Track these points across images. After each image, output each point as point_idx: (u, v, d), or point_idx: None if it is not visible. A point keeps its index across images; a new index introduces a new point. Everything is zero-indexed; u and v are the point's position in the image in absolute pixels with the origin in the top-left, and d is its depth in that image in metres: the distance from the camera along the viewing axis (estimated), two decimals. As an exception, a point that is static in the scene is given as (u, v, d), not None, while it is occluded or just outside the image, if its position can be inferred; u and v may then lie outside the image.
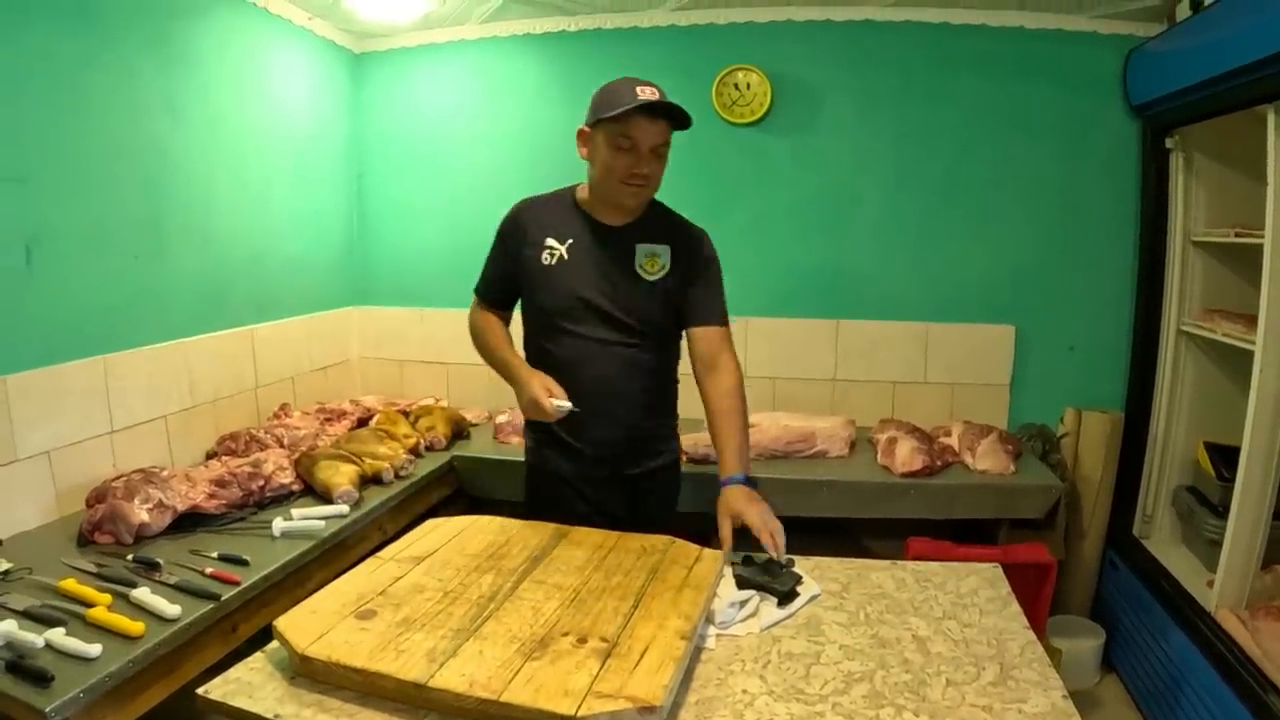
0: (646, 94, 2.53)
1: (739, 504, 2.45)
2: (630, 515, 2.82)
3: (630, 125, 2.56)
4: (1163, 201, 4.17)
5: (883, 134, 4.55)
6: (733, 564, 2.35)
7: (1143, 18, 4.21)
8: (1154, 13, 4.13)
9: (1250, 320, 3.39)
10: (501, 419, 4.46)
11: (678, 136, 4.68)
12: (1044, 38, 4.39)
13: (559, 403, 2.57)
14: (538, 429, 2.92)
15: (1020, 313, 4.61)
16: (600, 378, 2.73)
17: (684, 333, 2.85)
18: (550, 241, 2.76)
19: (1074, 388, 4.58)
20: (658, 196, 2.84)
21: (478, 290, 3.04)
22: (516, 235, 2.84)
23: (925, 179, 4.57)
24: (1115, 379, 4.55)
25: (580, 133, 2.70)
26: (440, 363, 5.14)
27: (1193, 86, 3.64)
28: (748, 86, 4.54)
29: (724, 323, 2.82)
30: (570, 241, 2.75)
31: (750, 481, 2.56)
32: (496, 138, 4.93)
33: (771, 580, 2.21)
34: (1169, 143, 4.08)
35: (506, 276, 2.90)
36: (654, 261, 2.74)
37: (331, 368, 4.96)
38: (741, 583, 2.22)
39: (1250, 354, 3.26)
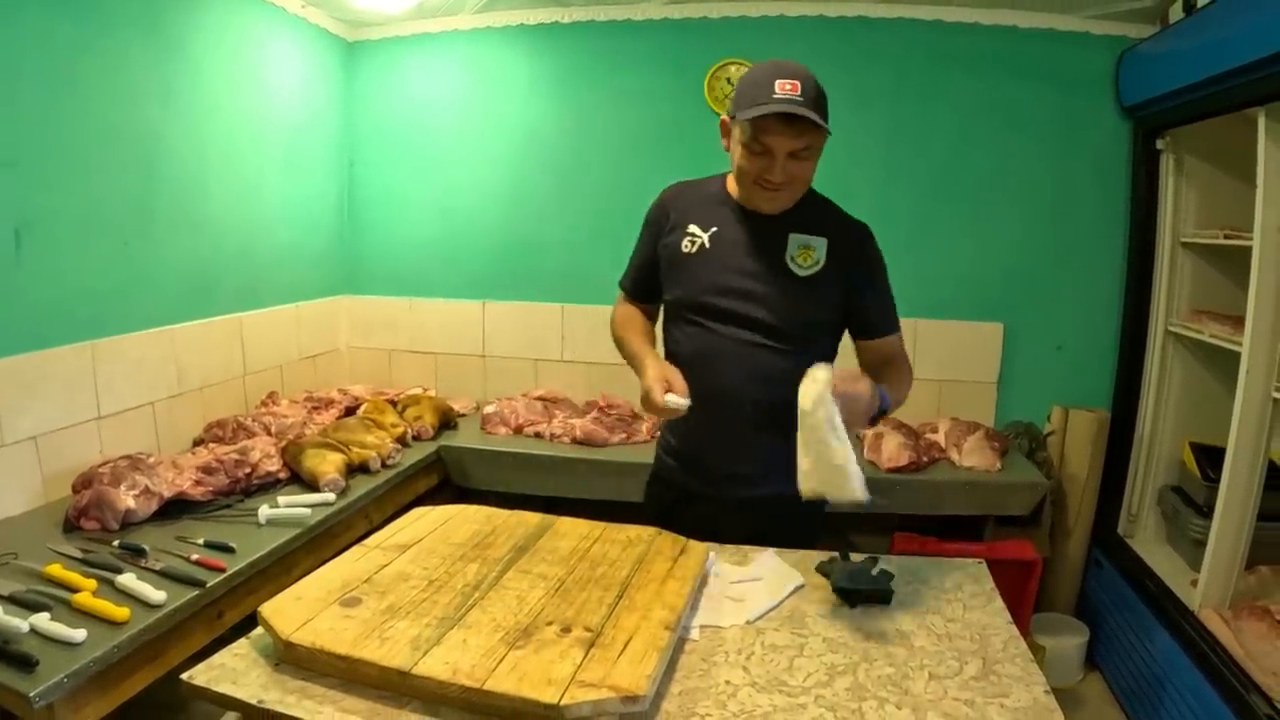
0: (785, 91, 2.19)
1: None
2: (755, 544, 2.43)
3: (763, 130, 2.24)
4: (1152, 202, 4.20)
5: (875, 129, 4.57)
6: (820, 563, 2.31)
7: (1135, 19, 4.22)
8: (1147, 14, 4.15)
9: (1237, 322, 3.41)
10: (489, 409, 4.47)
11: (668, 128, 4.68)
12: (1037, 37, 4.40)
13: (673, 398, 2.23)
14: (669, 435, 2.68)
15: (1009, 311, 4.63)
16: (728, 381, 2.42)
17: (855, 344, 2.58)
18: (693, 228, 2.50)
19: (1061, 386, 4.61)
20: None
21: (622, 283, 2.76)
22: (661, 222, 2.58)
23: (916, 175, 4.59)
24: (1102, 378, 4.57)
25: (722, 123, 2.43)
26: (429, 352, 5.15)
27: (1184, 88, 3.65)
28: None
29: (898, 328, 2.56)
30: (714, 230, 2.48)
31: (885, 407, 2.30)
32: (488, 128, 4.93)
33: (861, 584, 2.16)
34: (1160, 144, 4.10)
35: (650, 266, 2.62)
36: (807, 254, 2.41)
37: (320, 356, 4.96)
38: (842, 594, 2.15)
39: (1237, 355, 3.28)
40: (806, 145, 2.28)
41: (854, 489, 2.05)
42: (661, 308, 2.65)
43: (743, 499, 2.53)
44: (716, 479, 2.54)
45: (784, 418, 2.30)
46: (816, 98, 2.24)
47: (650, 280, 2.63)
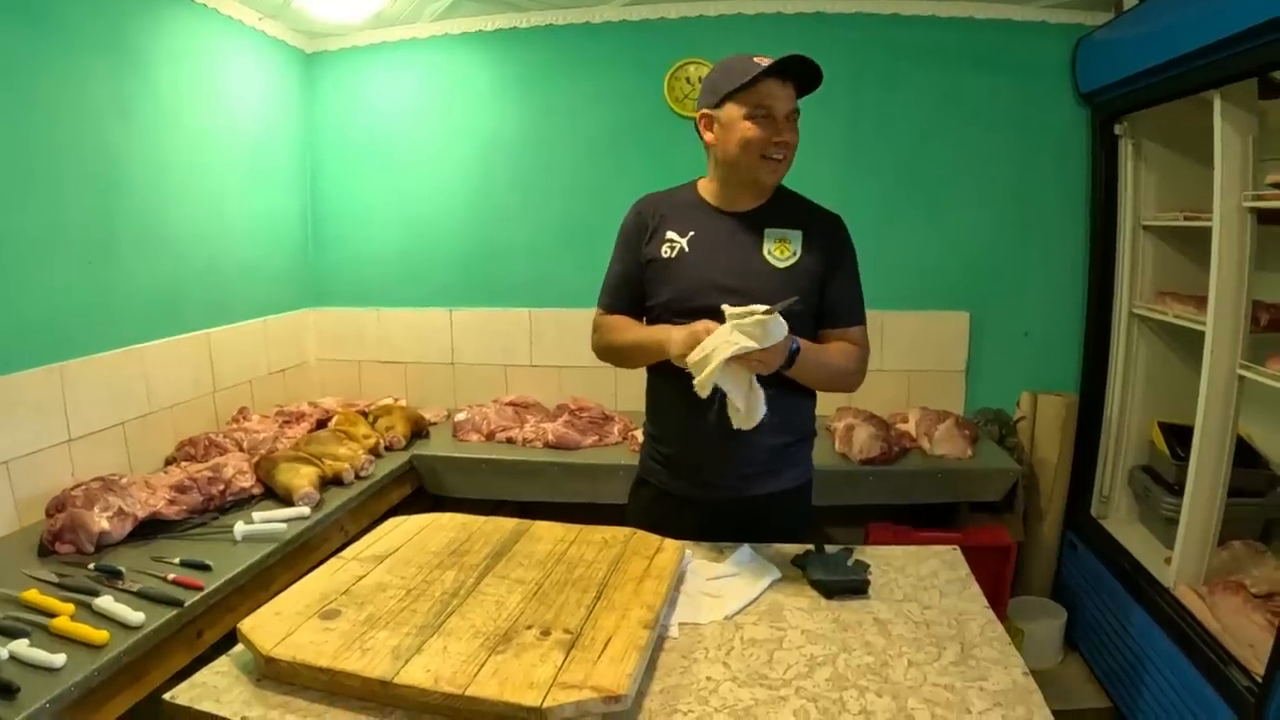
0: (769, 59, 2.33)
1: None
2: (748, 540, 2.46)
3: (764, 93, 2.35)
4: (1113, 187, 4.23)
5: (836, 123, 4.59)
6: (796, 556, 2.34)
7: (1090, 6, 4.26)
8: (1101, 2, 4.18)
9: (1200, 301, 3.45)
10: (460, 417, 4.47)
11: (629, 129, 4.69)
12: (993, 27, 4.45)
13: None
14: (657, 440, 2.67)
15: (974, 299, 4.67)
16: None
17: (819, 334, 2.53)
18: (671, 235, 2.53)
19: (1029, 372, 4.65)
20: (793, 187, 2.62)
21: (601, 303, 2.70)
22: (640, 231, 2.60)
23: (879, 167, 4.63)
24: (1069, 362, 4.62)
25: (702, 116, 2.49)
26: (397, 362, 5.14)
27: (1140, 74, 3.69)
28: (699, 80, 4.54)
29: (862, 320, 2.55)
30: (692, 234, 2.51)
31: (795, 349, 2.23)
32: (449, 136, 4.93)
33: (836, 575, 2.20)
34: (1118, 129, 4.14)
35: (633, 276, 2.61)
36: (783, 247, 2.47)
37: (289, 370, 4.94)
38: (818, 586, 2.19)
39: (1201, 334, 3.32)
40: (796, 108, 2.41)
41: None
42: (644, 318, 2.63)
43: (736, 499, 2.55)
44: (707, 480, 2.55)
45: (775, 409, 2.32)
46: (817, 69, 2.37)
47: (634, 291, 2.62)
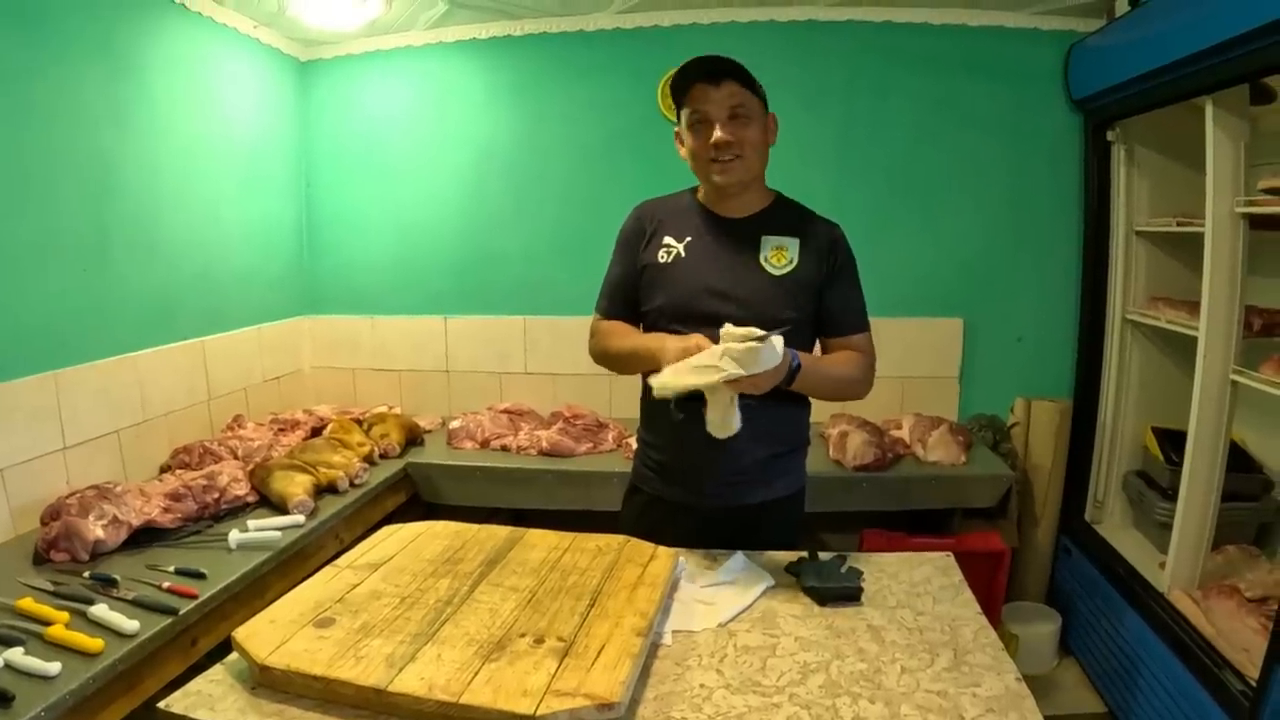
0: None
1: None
2: (741, 549, 2.43)
3: (693, 98, 2.39)
4: (1106, 193, 4.25)
5: (829, 130, 4.61)
6: (789, 563, 2.33)
7: (1083, 13, 4.28)
8: (1094, 8, 4.20)
9: (1193, 307, 3.46)
10: (455, 424, 4.47)
11: (623, 137, 4.68)
12: (986, 34, 4.46)
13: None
14: (650, 446, 2.67)
15: (968, 305, 4.68)
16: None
17: (821, 343, 2.59)
18: (668, 239, 2.52)
19: (1023, 378, 4.66)
20: (788, 192, 2.62)
21: (599, 308, 2.69)
22: (639, 235, 2.60)
23: (872, 174, 4.64)
24: (1063, 368, 4.63)
25: (676, 134, 2.53)
26: (392, 370, 5.13)
27: (1132, 80, 3.71)
28: (694, 87, 4.56)
29: (865, 327, 2.58)
30: (689, 239, 2.51)
31: (795, 365, 2.23)
32: (444, 143, 4.93)
33: (830, 582, 2.19)
34: (1110, 135, 4.16)
35: (631, 280, 2.60)
36: (780, 254, 2.46)
37: (284, 378, 4.93)
38: (811, 593, 2.18)
39: (1194, 340, 3.34)
40: (740, 103, 2.38)
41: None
42: (644, 329, 2.61)
43: (727, 507, 2.54)
44: (698, 487, 2.54)
45: (769, 417, 2.31)
46: (734, 62, 2.34)
47: (630, 296, 2.61)
